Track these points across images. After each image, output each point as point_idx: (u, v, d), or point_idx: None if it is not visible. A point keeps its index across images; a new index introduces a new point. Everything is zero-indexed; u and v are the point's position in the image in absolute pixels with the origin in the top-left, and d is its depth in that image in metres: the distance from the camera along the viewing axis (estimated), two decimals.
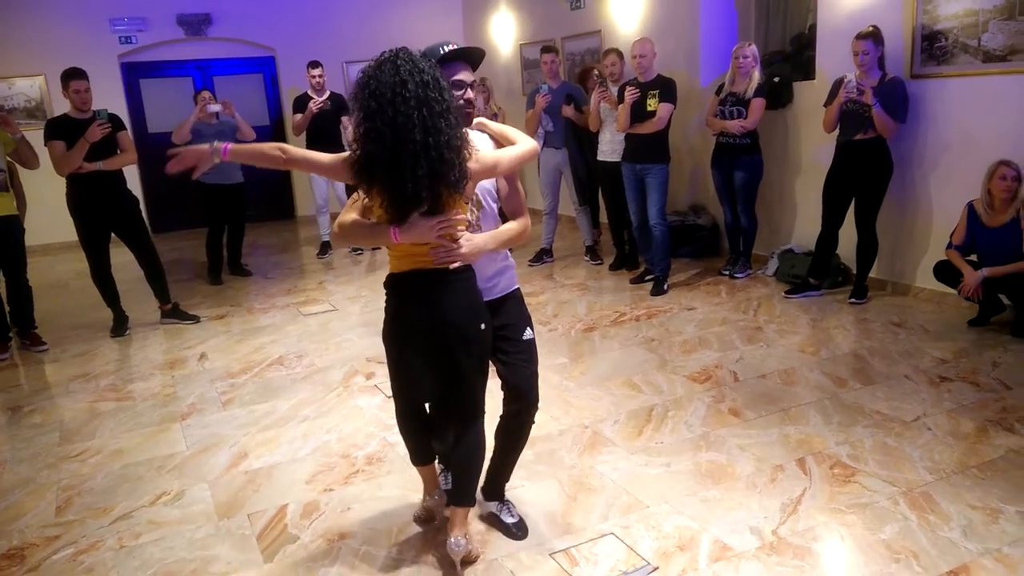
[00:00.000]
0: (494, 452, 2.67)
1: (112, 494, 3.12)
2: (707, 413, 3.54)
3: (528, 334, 2.55)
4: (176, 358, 4.75)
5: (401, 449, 3.30)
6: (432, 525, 2.73)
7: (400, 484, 3.04)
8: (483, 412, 2.48)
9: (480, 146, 2.34)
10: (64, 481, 3.25)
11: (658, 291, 5.50)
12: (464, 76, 2.39)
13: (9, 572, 2.63)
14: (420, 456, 2.65)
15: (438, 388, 2.42)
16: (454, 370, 2.36)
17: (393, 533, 2.72)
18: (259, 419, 3.76)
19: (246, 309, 5.78)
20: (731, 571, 2.40)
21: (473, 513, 2.65)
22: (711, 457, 3.12)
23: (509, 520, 2.70)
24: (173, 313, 5.47)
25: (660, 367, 4.13)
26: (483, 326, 2.36)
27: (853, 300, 5.00)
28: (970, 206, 4.40)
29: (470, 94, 2.42)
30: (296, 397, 4.00)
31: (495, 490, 2.73)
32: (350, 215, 2.35)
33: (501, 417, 2.61)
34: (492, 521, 2.74)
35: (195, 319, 5.48)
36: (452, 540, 2.40)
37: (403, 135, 2.07)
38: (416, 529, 2.73)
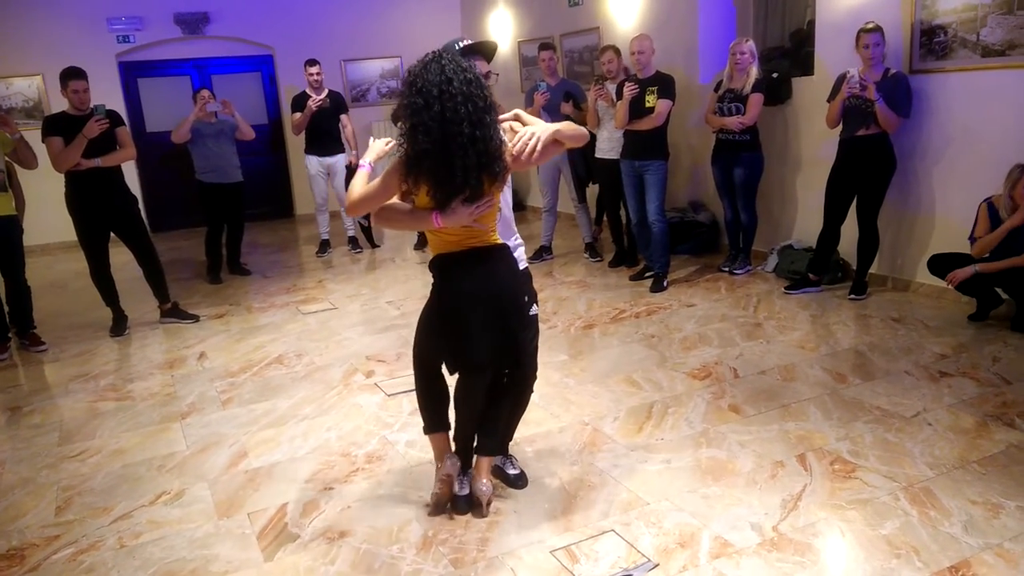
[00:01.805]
0: (484, 406, 2.81)
1: (112, 494, 3.11)
2: (707, 409, 3.54)
3: (534, 310, 2.76)
4: (176, 357, 4.75)
5: (401, 447, 3.31)
6: (439, 517, 2.73)
7: (400, 482, 3.03)
8: (534, 371, 2.83)
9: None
10: (64, 481, 3.24)
11: (658, 288, 5.50)
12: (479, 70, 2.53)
13: (9, 572, 2.63)
14: (438, 423, 2.80)
15: (494, 351, 2.60)
16: (508, 333, 2.58)
17: (393, 531, 2.71)
18: (259, 418, 3.75)
19: (245, 308, 5.77)
20: (732, 567, 2.40)
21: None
22: (711, 454, 3.12)
23: (512, 472, 2.96)
24: (172, 312, 5.47)
25: (660, 364, 4.12)
26: (526, 298, 2.67)
27: (853, 296, 4.99)
28: (989, 202, 4.31)
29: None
30: (296, 396, 4.00)
31: (502, 446, 2.95)
32: (390, 200, 2.48)
33: (506, 384, 2.80)
34: (496, 472, 2.95)
35: (194, 318, 5.47)
36: (482, 484, 2.73)
37: (451, 128, 2.25)
38: (416, 527, 2.73)
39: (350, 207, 2.50)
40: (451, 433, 2.84)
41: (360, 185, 2.48)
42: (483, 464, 2.77)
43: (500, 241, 2.56)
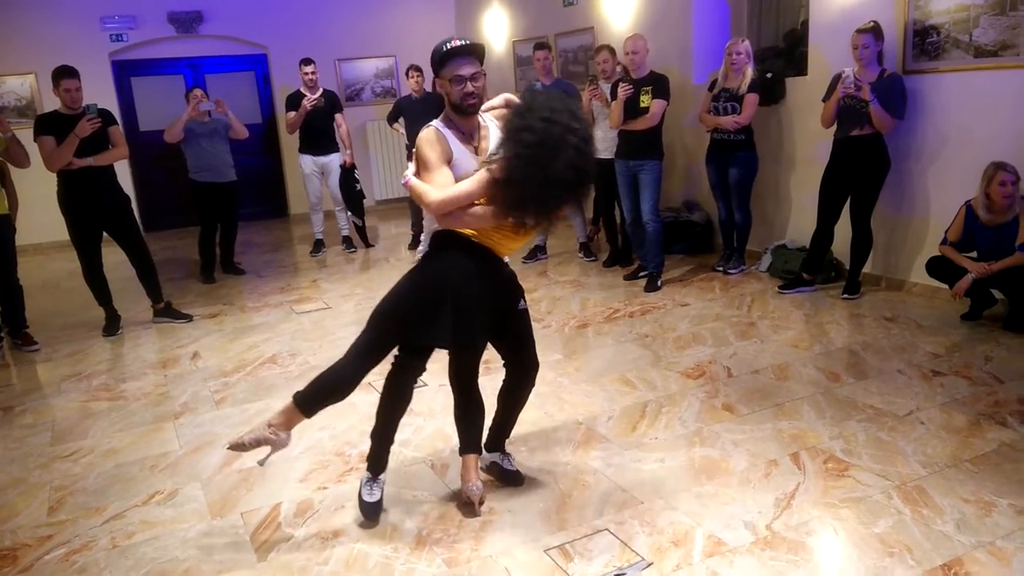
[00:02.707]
0: (497, 411, 2.94)
1: (105, 494, 3.10)
2: (701, 409, 3.54)
3: (522, 304, 2.81)
4: (169, 357, 4.73)
5: (395, 447, 3.29)
6: (433, 516, 2.73)
7: (394, 482, 3.02)
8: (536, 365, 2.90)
9: (491, 126, 2.65)
10: (56, 481, 3.23)
11: (652, 287, 5.50)
12: (464, 71, 2.54)
13: (1, 572, 2.62)
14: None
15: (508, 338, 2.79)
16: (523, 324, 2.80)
17: (387, 531, 2.71)
18: (252, 418, 3.74)
19: (239, 307, 5.76)
20: (725, 566, 2.40)
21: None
22: (705, 453, 3.13)
23: (510, 468, 3.00)
24: (166, 312, 5.45)
25: (654, 363, 4.13)
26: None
27: (846, 295, 5.01)
28: (968, 205, 4.37)
29: (470, 87, 2.56)
30: (290, 395, 3.97)
31: (497, 443, 3.01)
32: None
33: (504, 381, 2.89)
34: (493, 470, 3.00)
35: (188, 318, 5.45)
36: (473, 484, 2.78)
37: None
38: (410, 527, 2.72)
39: (438, 211, 2.50)
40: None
41: (436, 190, 2.49)
42: (470, 463, 2.82)
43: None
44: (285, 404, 2.70)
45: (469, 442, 2.84)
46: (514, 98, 2.61)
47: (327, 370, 2.71)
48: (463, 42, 2.56)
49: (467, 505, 2.79)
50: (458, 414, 2.85)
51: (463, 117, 2.61)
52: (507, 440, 3.03)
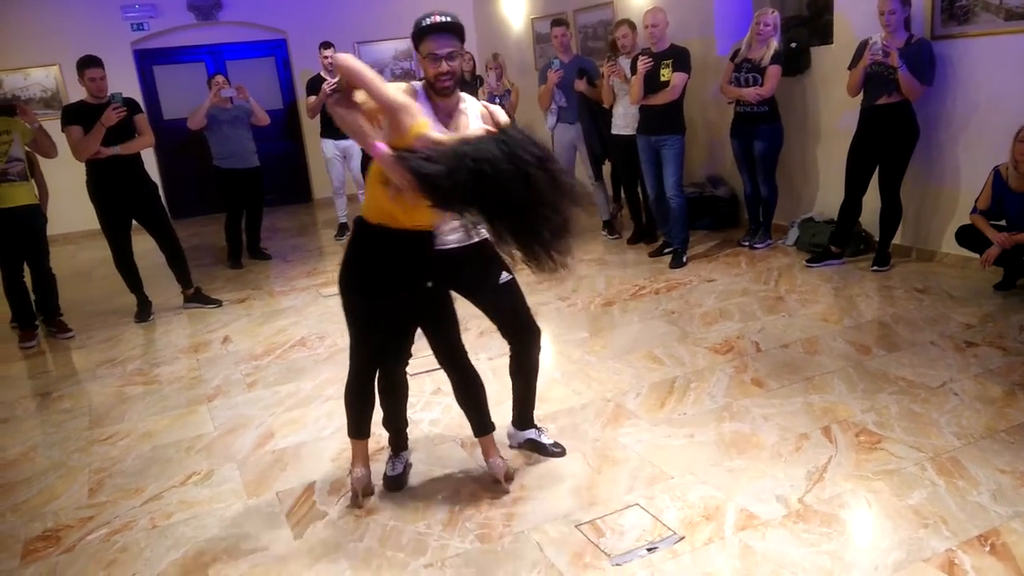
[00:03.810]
0: (513, 388, 2.98)
1: (142, 475, 3.17)
2: (730, 384, 3.53)
3: (504, 277, 2.76)
4: (200, 341, 4.80)
5: (425, 426, 3.33)
6: (465, 492, 2.76)
7: (425, 460, 3.06)
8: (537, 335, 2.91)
9: (472, 108, 2.58)
10: (95, 464, 3.31)
11: (677, 263, 5.47)
12: (440, 49, 2.42)
13: (46, 553, 2.69)
14: (366, 428, 2.84)
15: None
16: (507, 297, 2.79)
17: (420, 508, 2.74)
18: (283, 399, 3.79)
19: (267, 292, 5.82)
20: (758, 539, 2.40)
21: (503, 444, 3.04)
22: (735, 427, 3.12)
23: (547, 441, 3.02)
24: (195, 297, 5.52)
25: (681, 339, 4.11)
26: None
27: (876, 267, 4.94)
28: (996, 171, 4.31)
29: (445, 67, 2.43)
30: (319, 377, 4.03)
31: (525, 419, 3.03)
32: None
33: (509, 356, 2.90)
34: (531, 446, 3.02)
35: (217, 303, 5.52)
36: (494, 461, 2.80)
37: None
38: (443, 504, 2.75)
39: (341, 64, 2.37)
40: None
41: (377, 82, 2.36)
42: (487, 443, 2.84)
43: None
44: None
45: (479, 424, 2.83)
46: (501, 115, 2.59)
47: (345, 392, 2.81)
48: (443, 18, 2.44)
49: (496, 483, 2.81)
50: (457, 396, 2.85)
51: (439, 97, 2.48)
52: (535, 415, 3.04)
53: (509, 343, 2.89)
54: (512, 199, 2.12)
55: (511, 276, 2.79)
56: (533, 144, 2.17)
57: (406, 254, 2.53)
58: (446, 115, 2.53)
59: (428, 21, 2.44)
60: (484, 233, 2.68)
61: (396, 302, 2.61)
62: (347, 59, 2.40)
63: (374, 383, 2.80)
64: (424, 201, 2.18)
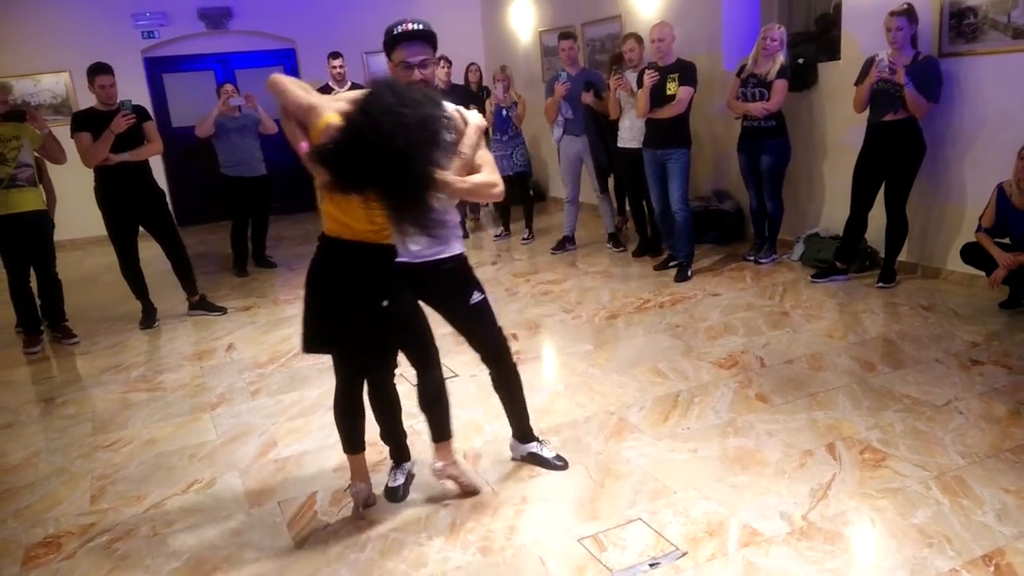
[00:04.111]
0: (502, 402, 3.00)
1: (145, 483, 3.17)
2: (734, 399, 3.52)
3: (477, 297, 2.73)
4: (204, 349, 4.81)
5: (427, 436, 3.32)
6: (466, 504, 2.75)
7: (427, 472, 3.05)
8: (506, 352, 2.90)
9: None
10: (98, 470, 3.30)
11: (682, 277, 5.47)
12: (413, 58, 2.43)
13: (46, 559, 2.69)
14: (357, 443, 2.82)
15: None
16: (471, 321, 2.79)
17: (421, 519, 2.73)
18: (287, 408, 3.79)
19: (272, 300, 5.83)
20: (761, 556, 2.39)
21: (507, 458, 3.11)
22: (738, 443, 3.11)
23: (548, 454, 3.01)
24: (200, 305, 5.54)
25: (685, 353, 4.10)
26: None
27: (881, 284, 4.93)
28: (1000, 188, 4.31)
29: (418, 75, 2.44)
30: (323, 386, 4.03)
31: (523, 432, 3.03)
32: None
33: (489, 374, 2.92)
34: (533, 459, 3.02)
35: (222, 310, 5.53)
36: (433, 464, 2.81)
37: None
38: (444, 515, 2.74)
39: (268, 84, 2.37)
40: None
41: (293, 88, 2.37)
42: (437, 448, 2.82)
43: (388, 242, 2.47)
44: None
45: (431, 432, 2.83)
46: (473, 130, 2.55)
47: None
48: (415, 26, 2.43)
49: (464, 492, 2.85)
50: (422, 403, 2.83)
51: None
52: (538, 427, 3.04)
53: (483, 361, 2.90)
54: (396, 150, 2.04)
55: (482, 296, 2.77)
56: (412, 94, 2.14)
57: (363, 269, 2.47)
58: None
59: (400, 29, 2.43)
60: (458, 248, 2.70)
61: (355, 321, 2.55)
62: (272, 78, 2.42)
63: (360, 397, 2.78)
64: (336, 187, 2.18)
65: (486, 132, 8.27)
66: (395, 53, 2.46)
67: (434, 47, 2.50)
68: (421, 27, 2.44)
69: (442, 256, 2.68)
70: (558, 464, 2.99)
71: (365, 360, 2.72)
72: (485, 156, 2.54)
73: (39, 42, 8.44)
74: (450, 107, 2.59)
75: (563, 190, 6.71)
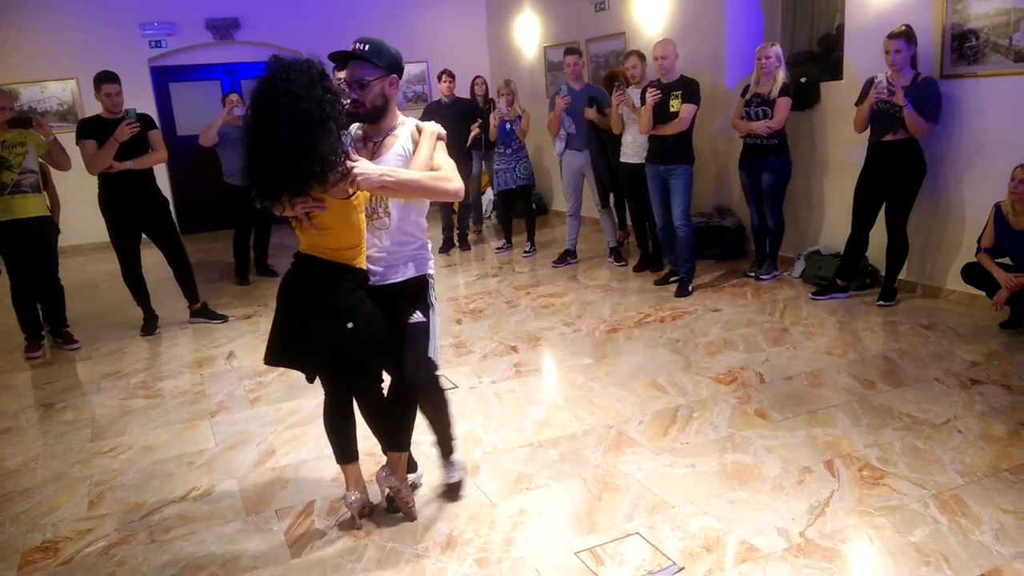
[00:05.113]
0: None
1: (143, 489, 3.17)
2: (733, 414, 3.52)
3: (417, 317, 2.62)
4: (205, 357, 4.81)
5: (426, 447, 3.32)
6: (463, 517, 2.75)
7: (426, 481, 3.05)
8: (428, 379, 2.75)
9: (404, 131, 2.58)
10: (96, 476, 3.30)
11: (683, 292, 5.48)
12: (351, 78, 2.52)
13: (43, 565, 2.68)
14: (349, 453, 2.81)
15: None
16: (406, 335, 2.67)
17: (418, 530, 2.73)
18: (285, 417, 3.80)
19: (273, 309, 5.81)
20: (758, 572, 2.38)
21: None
22: (737, 458, 3.11)
23: (450, 481, 2.96)
24: (202, 312, 5.55)
25: (685, 368, 4.11)
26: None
27: (882, 302, 4.94)
28: (997, 207, 4.33)
29: (354, 94, 2.52)
30: (321, 396, 4.00)
31: (443, 450, 2.96)
32: None
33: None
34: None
35: (223, 318, 5.54)
36: (383, 473, 2.78)
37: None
38: (441, 527, 2.74)
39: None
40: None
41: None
42: (389, 459, 2.80)
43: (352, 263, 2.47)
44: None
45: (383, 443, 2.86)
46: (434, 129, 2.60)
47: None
48: (358, 46, 2.50)
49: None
50: (368, 417, 2.86)
51: (363, 122, 2.58)
52: (451, 451, 2.97)
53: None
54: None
55: (425, 320, 2.63)
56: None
57: (329, 289, 2.47)
58: (374, 139, 2.60)
59: (352, 48, 2.52)
60: (418, 271, 2.66)
61: (319, 340, 2.56)
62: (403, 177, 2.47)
63: (349, 408, 2.77)
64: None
65: (487, 144, 8.28)
66: (344, 72, 2.57)
67: (378, 67, 2.54)
68: (360, 47, 2.53)
69: (396, 280, 2.63)
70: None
71: (344, 375, 2.71)
72: (444, 160, 2.55)
73: (48, 49, 8.51)
74: (411, 125, 2.63)
75: (565, 204, 6.73)
